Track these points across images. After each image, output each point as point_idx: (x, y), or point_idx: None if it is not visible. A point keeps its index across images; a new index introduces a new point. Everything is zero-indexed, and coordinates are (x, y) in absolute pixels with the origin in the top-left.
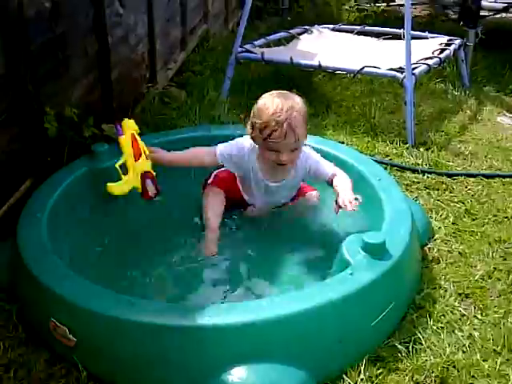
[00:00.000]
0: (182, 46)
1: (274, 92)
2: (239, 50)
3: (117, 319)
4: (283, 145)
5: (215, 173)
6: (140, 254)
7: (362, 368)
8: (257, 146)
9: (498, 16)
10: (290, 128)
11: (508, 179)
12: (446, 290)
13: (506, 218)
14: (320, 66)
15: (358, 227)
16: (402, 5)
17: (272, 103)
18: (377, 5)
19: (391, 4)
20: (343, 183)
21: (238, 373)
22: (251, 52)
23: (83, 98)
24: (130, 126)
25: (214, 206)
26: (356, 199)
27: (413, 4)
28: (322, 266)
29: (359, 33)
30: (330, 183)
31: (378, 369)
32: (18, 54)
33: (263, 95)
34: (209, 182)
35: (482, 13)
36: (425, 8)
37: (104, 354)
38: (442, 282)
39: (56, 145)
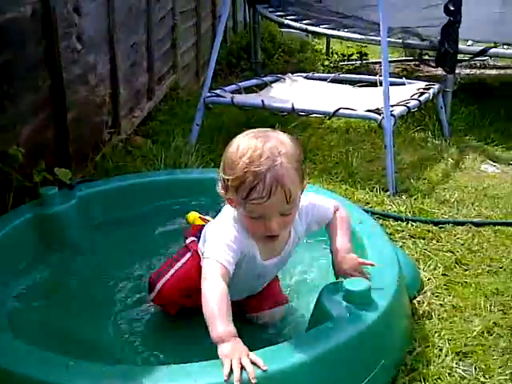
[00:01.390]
0: (148, 94)
1: (249, 132)
2: (208, 94)
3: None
4: (268, 207)
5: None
6: (82, 309)
7: None
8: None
9: (476, 72)
10: (275, 181)
11: (499, 227)
12: (440, 349)
13: (502, 268)
14: (293, 108)
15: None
16: (376, 62)
17: (247, 147)
18: (349, 63)
19: (366, 62)
20: (344, 241)
21: None
22: (221, 96)
23: (33, 137)
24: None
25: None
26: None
27: (390, 61)
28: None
29: (333, 81)
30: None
31: None
32: None
33: (235, 138)
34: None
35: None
36: (399, 66)
37: None
38: (436, 340)
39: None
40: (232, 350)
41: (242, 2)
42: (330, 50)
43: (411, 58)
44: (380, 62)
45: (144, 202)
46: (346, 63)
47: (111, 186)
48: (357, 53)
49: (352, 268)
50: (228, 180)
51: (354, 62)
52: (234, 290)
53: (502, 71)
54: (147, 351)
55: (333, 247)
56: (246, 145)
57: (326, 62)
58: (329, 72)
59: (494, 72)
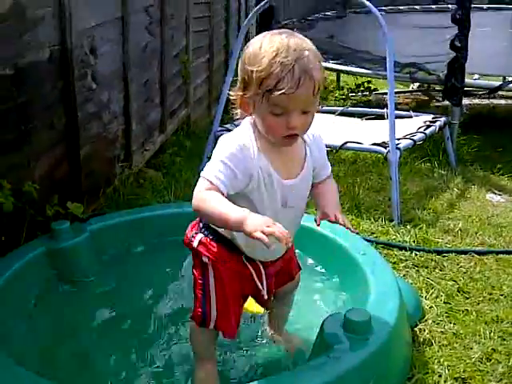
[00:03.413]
0: (161, 128)
1: (268, 32)
2: (219, 128)
3: None
4: (295, 99)
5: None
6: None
7: None
8: (253, 132)
9: (483, 102)
10: (304, 72)
11: (502, 256)
12: (440, 375)
13: (502, 295)
14: None
15: (340, 304)
16: (385, 93)
17: (272, 42)
18: (358, 94)
19: (375, 93)
20: (334, 194)
21: None
22: (230, 131)
23: (48, 173)
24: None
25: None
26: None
27: (396, 92)
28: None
29: (342, 114)
30: (317, 189)
31: None
32: None
33: (254, 38)
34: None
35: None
36: (407, 97)
37: None
38: (436, 366)
39: (12, 222)
40: (255, 223)
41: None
42: (341, 82)
43: (419, 90)
44: None
45: (154, 235)
46: (355, 94)
47: (122, 220)
48: (367, 82)
49: (333, 211)
50: (252, 72)
51: (364, 94)
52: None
53: (511, 101)
54: None
55: (322, 201)
56: (270, 40)
57: (337, 93)
58: (340, 103)
59: (502, 102)
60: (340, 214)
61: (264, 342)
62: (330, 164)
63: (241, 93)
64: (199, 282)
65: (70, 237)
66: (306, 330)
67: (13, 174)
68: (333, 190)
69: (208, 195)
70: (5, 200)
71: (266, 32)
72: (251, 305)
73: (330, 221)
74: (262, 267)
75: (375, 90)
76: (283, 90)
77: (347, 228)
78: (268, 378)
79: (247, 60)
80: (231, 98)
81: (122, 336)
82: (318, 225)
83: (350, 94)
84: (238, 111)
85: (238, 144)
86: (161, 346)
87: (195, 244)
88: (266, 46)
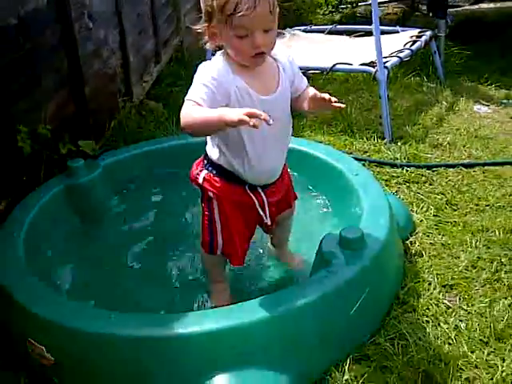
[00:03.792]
0: (156, 58)
1: None
2: (212, 52)
3: (93, 334)
4: (256, 19)
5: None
6: (119, 268)
7: (347, 368)
8: (225, 59)
9: (473, 8)
10: None
11: (488, 167)
12: (429, 283)
13: (488, 206)
14: None
15: (335, 223)
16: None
17: None
18: (347, 6)
19: (361, 4)
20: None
21: (220, 381)
22: None
23: (57, 114)
24: None
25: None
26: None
27: (384, 2)
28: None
29: (331, 32)
30: (298, 100)
31: (364, 368)
32: None
33: None
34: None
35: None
36: (396, 6)
37: (83, 371)
38: (426, 276)
39: (31, 163)
40: (235, 111)
41: None
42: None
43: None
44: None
45: (161, 166)
46: (344, 7)
47: (130, 154)
48: None
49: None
50: (213, 1)
51: (350, 6)
52: (270, 157)
53: (499, 4)
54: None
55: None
56: None
57: (324, 8)
58: (328, 17)
59: (491, 5)
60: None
61: (269, 262)
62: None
63: (206, 24)
64: (206, 213)
65: (86, 173)
66: (306, 248)
67: (26, 117)
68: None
69: (191, 110)
70: (23, 143)
71: None
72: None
73: (322, 99)
74: (264, 196)
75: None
76: (242, 12)
77: (335, 102)
78: (275, 292)
79: None
80: (198, 31)
81: (142, 258)
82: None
83: (340, 7)
84: (207, 44)
85: (214, 69)
86: (178, 267)
87: (200, 180)
88: None
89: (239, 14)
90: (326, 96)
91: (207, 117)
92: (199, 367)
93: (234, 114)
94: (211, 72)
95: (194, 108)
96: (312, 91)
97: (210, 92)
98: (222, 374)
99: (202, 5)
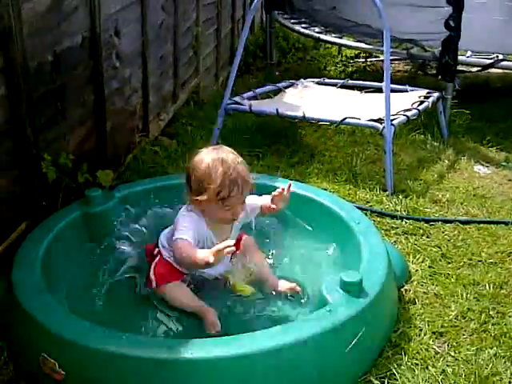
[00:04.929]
0: (173, 98)
1: (206, 150)
2: (228, 101)
3: (105, 353)
4: (240, 199)
5: (153, 271)
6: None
7: None
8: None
9: (475, 70)
10: (244, 182)
11: (483, 225)
12: (421, 329)
13: (480, 261)
14: (304, 116)
15: (337, 268)
16: (382, 60)
17: (217, 163)
18: (358, 61)
19: (372, 60)
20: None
21: None
22: (239, 104)
23: (79, 145)
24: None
25: (185, 294)
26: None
27: (395, 59)
28: (301, 304)
29: (342, 86)
30: (262, 208)
31: None
32: (21, 102)
33: (199, 157)
34: (155, 285)
35: (460, 68)
36: (406, 63)
37: None
38: (418, 322)
39: (51, 189)
40: (207, 253)
41: (260, 8)
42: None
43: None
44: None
45: (173, 201)
46: (355, 61)
47: (144, 188)
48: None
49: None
50: (209, 187)
51: (363, 60)
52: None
53: (507, 71)
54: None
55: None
56: (214, 161)
57: (337, 60)
58: (341, 69)
59: (499, 71)
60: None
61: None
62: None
63: (195, 197)
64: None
65: (102, 202)
66: (307, 287)
67: (52, 146)
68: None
69: (184, 247)
70: (47, 170)
71: (205, 151)
72: (239, 285)
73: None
74: None
75: (376, 55)
76: (233, 197)
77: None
78: (271, 328)
79: (203, 177)
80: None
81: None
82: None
83: (350, 62)
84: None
85: (191, 218)
86: None
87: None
88: (215, 167)
89: (231, 197)
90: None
91: (194, 257)
92: None
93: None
94: (191, 220)
95: (186, 244)
96: (264, 201)
97: (193, 233)
98: None
99: (192, 182)
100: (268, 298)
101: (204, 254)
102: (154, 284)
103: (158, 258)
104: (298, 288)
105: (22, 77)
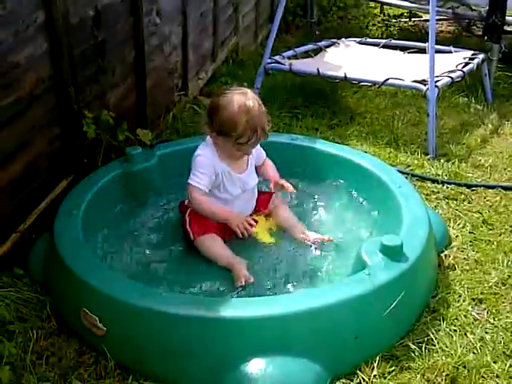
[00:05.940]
0: (212, 57)
1: (233, 92)
2: (268, 61)
3: (144, 309)
4: (254, 144)
5: (189, 224)
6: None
7: (376, 365)
8: (215, 149)
9: None
10: (262, 131)
11: None
12: (460, 296)
13: None
14: (345, 77)
15: (377, 231)
16: (428, 20)
17: (243, 111)
18: (401, 20)
19: (415, 20)
20: (273, 167)
21: (256, 364)
22: (280, 63)
23: (119, 103)
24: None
25: (218, 247)
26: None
27: (439, 19)
28: (341, 266)
29: (385, 46)
30: (261, 169)
31: (391, 366)
32: (63, 58)
33: (226, 99)
34: (192, 235)
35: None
36: (450, 24)
37: (131, 343)
38: (457, 288)
39: (92, 147)
40: (234, 221)
41: None
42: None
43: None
44: None
45: None
46: (398, 20)
47: (184, 147)
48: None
49: (280, 180)
50: (231, 133)
51: (406, 20)
52: (240, 207)
53: None
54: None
55: (269, 174)
56: (238, 107)
57: (379, 19)
58: (383, 29)
59: None
60: (282, 180)
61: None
62: (263, 150)
63: (215, 135)
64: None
65: (142, 161)
66: (347, 249)
67: (93, 104)
68: (271, 164)
69: (202, 200)
70: (88, 128)
71: (232, 92)
72: (261, 233)
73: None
74: None
75: (419, 15)
76: (250, 144)
77: (290, 190)
78: (310, 289)
79: (226, 122)
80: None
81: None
82: (272, 189)
83: (393, 21)
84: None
85: (208, 159)
86: None
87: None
88: (241, 118)
89: (247, 143)
90: (285, 185)
91: (215, 213)
92: (239, 350)
93: (234, 223)
94: (205, 162)
95: (204, 199)
96: (270, 169)
97: (206, 177)
98: (259, 358)
99: (214, 122)
100: (299, 249)
101: (227, 215)
102: (191, 236)
103: (189, 210)
104: (329, 238)
105: (63, 32)
